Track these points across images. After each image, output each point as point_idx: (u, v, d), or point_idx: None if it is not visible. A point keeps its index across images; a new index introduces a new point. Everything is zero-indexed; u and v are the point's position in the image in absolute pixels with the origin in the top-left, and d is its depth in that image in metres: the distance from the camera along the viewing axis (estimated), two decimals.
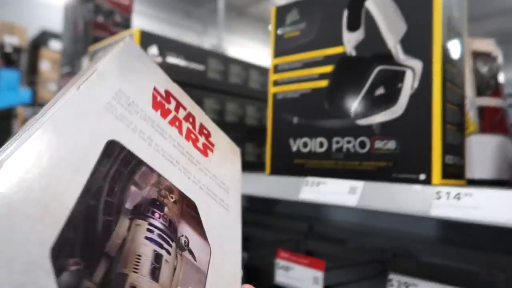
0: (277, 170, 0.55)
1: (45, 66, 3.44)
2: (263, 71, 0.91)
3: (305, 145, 0.52)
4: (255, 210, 1.03)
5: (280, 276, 0.59)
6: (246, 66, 0.88)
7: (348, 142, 0.48)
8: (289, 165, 0.54)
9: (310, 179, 0.51)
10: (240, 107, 0.87)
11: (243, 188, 0.59)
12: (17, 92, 1.82)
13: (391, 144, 0.45)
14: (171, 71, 0.74)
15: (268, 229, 0.95)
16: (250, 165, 0.88)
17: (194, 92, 0.79)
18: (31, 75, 3.19)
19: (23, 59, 3.61)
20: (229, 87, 0.85)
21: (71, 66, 1.00)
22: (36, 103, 2.16)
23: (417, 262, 0.71)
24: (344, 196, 0.47)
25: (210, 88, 0.81)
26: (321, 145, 0.51)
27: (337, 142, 0.49)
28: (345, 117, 0.49)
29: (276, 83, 0.56)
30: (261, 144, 0.92)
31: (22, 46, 3.65)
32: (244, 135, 0.88)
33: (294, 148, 0.53)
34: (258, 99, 0.91)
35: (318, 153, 0.51)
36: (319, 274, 0.54)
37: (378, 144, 0.46)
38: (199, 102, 0.80)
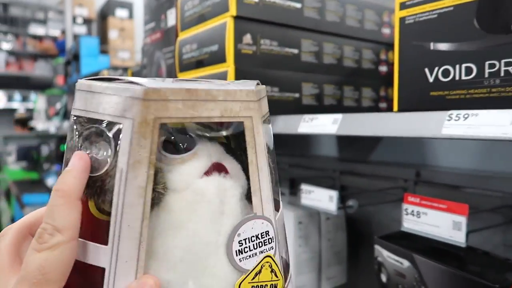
0: (408, 106, 0.49)
1: (113, 34, 3.55)
2: (360, 5, 0.83)
3: (446, 73, 0.45)
4: (349, 159, 0.99)
5: (408, 223, 0.54)
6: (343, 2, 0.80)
7: (508, 64, 0.40)
8: (425, 99, 0.47)
9: (455, 112, 0.44)
10: (338, 48, 0.80)
11: (368, 130, 0.54)
12: (97, 58, 1.89)
13: None
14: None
15: (366, 177, 0.90)
16: (349, 109, 0.83)
17: (290, 32, 0.73)
18: (103, 44, 3.32)
19: (94, 29, 3.76)
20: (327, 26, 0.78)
21: (155, 21, 0.98)
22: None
23: None
24: (506, 127, 0.40)
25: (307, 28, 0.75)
26: (468, 71, 0.43)
27: (492, 66, 0.42)
28: (503, 34, 0.41)
29: (404, 6, 0.48)
30: (359, 87, 0.85)
31: (91, 17, 3.79)
32: (342, 77, 0.81)
33: (432, 79, 0.46)
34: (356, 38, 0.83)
35: (464, 81, 0.44)
36: (462, 219, 0.48)
37: None
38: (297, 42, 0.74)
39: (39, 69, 4.80)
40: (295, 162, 1.07)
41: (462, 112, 0.43)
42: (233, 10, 0.66)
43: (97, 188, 0.24)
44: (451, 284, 0.48)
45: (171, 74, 0.90)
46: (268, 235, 0.27)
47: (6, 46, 4.74)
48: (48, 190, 2.21)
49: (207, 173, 0.26)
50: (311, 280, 0.81)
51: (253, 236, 0.26)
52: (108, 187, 0.24)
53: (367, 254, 0.66)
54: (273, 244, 0.27)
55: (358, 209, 0.80)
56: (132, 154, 0.23)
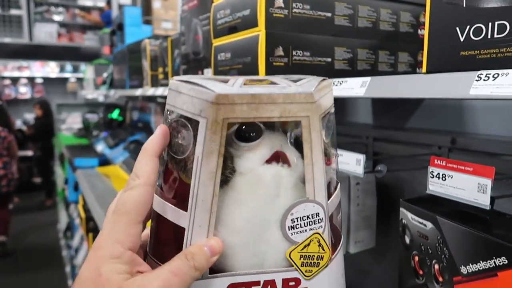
0: (438, 67, 0.48)
1: (157, 5, 3.60)
2: None
3: (477, 32, 0.44)
4: (384, 126, 0.97)
5: (434, 185, 0.55)
6: None
7: None
8: (455, 59, 0.46)
9: (485, 72, 0.43)
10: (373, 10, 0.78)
11: (396, 92, 0.54)
12: (140, 28, 1.95)
13: None
14: None
15: (400, 144, 0.88)
16: (384, 74, 0.81)
17: None
18: (147, 15, 3.39)
19: (138, 0, 3.83)
20: None
21: None
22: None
23: None
24: None
25: None
26: (501, 29, 0.42)
27: None
28: None
29: None
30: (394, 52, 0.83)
31: None
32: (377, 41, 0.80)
33: (463, 38, 0.45)
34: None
35: (496, 39, 0.42)
36: (487, 182, 0.48)
37: None
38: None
39: (88, 40, 5.00)
40: None
41: (492, 72, 0.42)
42: None
43: (182, 166, 0.32)
44: (472, 245, 0.48)
45: (207, 40, 0.92)
46: (318, 216, 0.32)
47: (58, 18, 4.96)
48: (97, 155, 2.35)
49: (268, 160, 0.31)
50: None
51: (305, 216, 0.31)
52: (189, 168, 0.31)
53: (397, 219, 0.67)
54: (322, 224, 0.32)
55: (390, 175, 0.80)
56: (205, 146, 0.29)
